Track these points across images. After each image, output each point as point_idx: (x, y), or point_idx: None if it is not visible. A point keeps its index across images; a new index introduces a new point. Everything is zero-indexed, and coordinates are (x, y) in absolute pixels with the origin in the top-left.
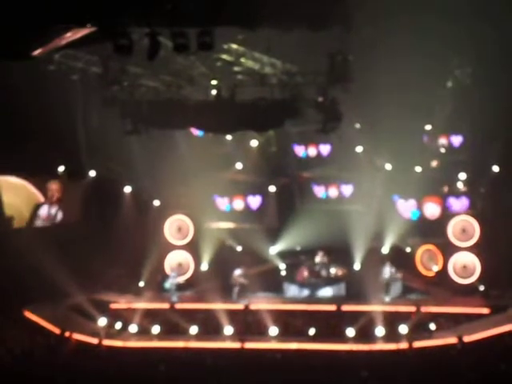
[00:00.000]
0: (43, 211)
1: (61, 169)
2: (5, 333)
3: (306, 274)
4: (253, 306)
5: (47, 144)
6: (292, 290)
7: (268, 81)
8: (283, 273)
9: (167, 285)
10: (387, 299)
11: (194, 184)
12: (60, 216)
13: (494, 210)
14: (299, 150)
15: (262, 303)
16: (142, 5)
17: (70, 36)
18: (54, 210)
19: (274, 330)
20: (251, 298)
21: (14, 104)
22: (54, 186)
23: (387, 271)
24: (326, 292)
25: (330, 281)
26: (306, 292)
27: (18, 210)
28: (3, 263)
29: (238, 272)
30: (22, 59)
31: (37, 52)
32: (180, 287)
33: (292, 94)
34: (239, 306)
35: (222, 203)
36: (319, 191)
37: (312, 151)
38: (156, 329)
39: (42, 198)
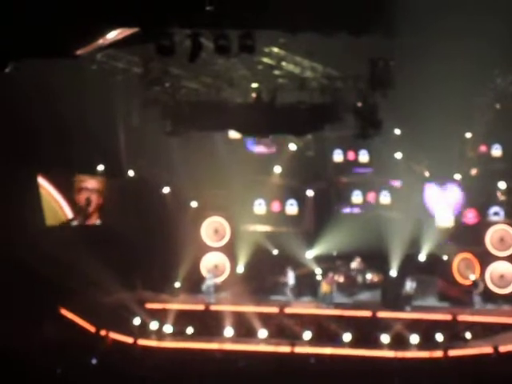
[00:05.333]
0: None
1: (100, 167)
2: (41, 329)
3: (335, 279)
4: (287, 310)
5: (87, 143)
6: (329, 297)
7: (308, 85)
8: (319, 277)
9: (204, 286)
10: (408, 309)
11: (231, 186)
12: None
13: None
14: (338, 155)
15: (296, 307)
16: (185, 6)
17: (113, 36)
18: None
19: (308, 334)
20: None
21: (55, 102)
22: (90, 185)
23: (409, 284)
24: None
25: (366, 287)
26: (342, 298)
27: None
28: (41, 260)
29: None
30: (66, 58)
31: (80, 51)
32: (217, 288)
33: (332, 98)
34: (274, 310)
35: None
36: (357, 196)
37: (351, 156)
38: (190, 330)
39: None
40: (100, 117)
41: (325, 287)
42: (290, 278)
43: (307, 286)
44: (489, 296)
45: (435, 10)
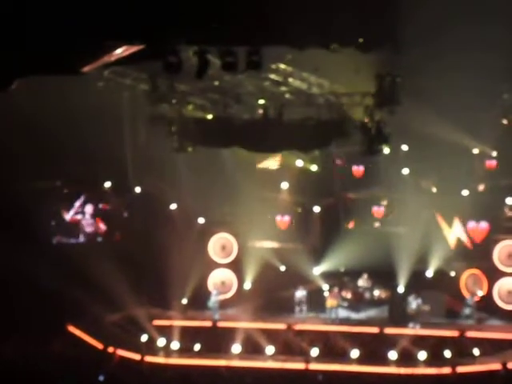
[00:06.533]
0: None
1: (107, 184)
2: (49, 346)
3: (342, 294)
4: (294, 326)
5: (94, 159)
6: (334, 311)
7: (315, 101)
8: (326, 294)
9: (210, 303)
10: (414, 326)
11: (238, 202)
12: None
13: None
14: (344, 171)
15: (304, 323)
16: (191, 23)
17: (120, 53)
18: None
19: (315, 351)
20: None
21: (62, 119)
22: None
23: (413, 302)
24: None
25: (374, 303)
26: (349, 314)
27: None
28: (49, 277)
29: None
30: (72, 75)
31: (86, 68)
32: (223, 305)
33: (339, 114)
34: (281, 326)
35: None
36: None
37: (357, 172)
38: (198, 346)
39: None
40: (107, 133)
41: (330, 302)
42: (303, 297)
43: (318, 302)
44: (495, 311)
45: (442, 26)
